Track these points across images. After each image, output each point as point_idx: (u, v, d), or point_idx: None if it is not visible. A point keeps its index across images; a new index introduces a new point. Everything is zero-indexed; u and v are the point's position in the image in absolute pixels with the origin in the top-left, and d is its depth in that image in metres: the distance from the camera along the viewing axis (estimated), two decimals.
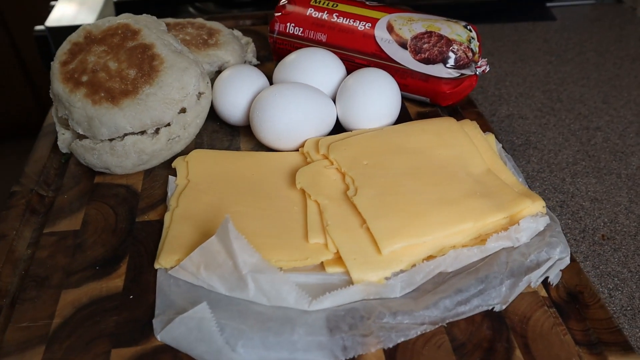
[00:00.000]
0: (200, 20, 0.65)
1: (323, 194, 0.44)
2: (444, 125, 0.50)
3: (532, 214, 0.43)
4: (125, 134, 0.49)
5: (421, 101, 0.59)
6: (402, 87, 0.57)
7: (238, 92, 0.53)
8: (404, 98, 0.59)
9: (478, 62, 0.55)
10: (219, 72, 0.60)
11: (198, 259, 0.39)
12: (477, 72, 0.55)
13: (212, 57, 0.59)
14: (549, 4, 0.94)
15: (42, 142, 0.55)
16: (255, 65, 0.65)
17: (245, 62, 0.63)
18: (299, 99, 0.49)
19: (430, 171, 0.45)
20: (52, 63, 0.52)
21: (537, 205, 0.43)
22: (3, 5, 1.68)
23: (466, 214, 0.42)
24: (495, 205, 0.43)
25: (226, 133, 0.56)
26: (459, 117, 0.58)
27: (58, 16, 0.88)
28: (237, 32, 0.67)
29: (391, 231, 0.40)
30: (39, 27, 0.89)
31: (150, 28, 0.52)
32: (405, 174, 0.45)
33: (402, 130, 0.50)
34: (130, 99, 0.48)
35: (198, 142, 0.55)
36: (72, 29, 0.86)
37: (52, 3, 0.96)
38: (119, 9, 0.85)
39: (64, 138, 0.52)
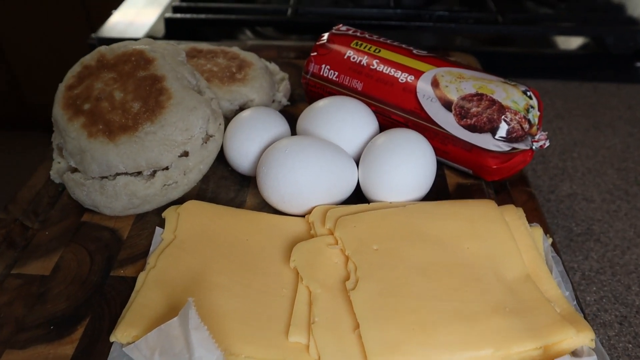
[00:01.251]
0: (235, 49, 0.60)
1: (318, 279, 0.37)
2: (480, 211, 0.42)
3: (575, 348, 0.34)
4: (118, 174, 0.44)
5: (464, 171, 0.50)
6: (442, 153, 0.49)
7: (250, 140, 0.47)
8: (444, 165, 0.51)
9: (536, 135, 0.46)
10: (242, 108, 0.54)
11: (154, 341, 0.33)
12: (534, 148, 0.46)
13: (234, 93, 0.53)
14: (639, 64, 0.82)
15: (43, 167, 0.52)
16: (285, 106, 0.59)
17: (273, 101, 0.57)
18: (313, 158, 0.42)
19: (451, 269, 0.37)
20: (59, 84, 0.48)
21: (582, 338, 0.34)
22: (90, 7, 1.74)
23: (486, 336, 0.33)
24: (526, 329, 0.34)
25: (235, 181, 0.50)
26: (506, 195, 0.49)
27: (110, 27, 0.87)
28: (273, 66, 0.62)
29: (386, 345, 0.33)
30: (94, 35, 0.88)
31: (165, 58, 0.47)
32: (420, 270, 0.37)
33: (427, 211, 0.42)
34: (127, 136, 0.44)
35: (202, 188, 0.49)
36: (120, 41, 0.84)
37: (113, 11, 0.96)
38: (170, 26, 0.82)
39: (58, 167, 0.48)
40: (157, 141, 0.44)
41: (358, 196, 0.46)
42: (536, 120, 0.46)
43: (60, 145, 0.47)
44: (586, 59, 0.81)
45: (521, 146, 0.46)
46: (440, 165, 0.51)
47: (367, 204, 0.43)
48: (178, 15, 0.83)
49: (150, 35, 0.83)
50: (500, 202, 0.49)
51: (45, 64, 1.81)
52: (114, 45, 0.49)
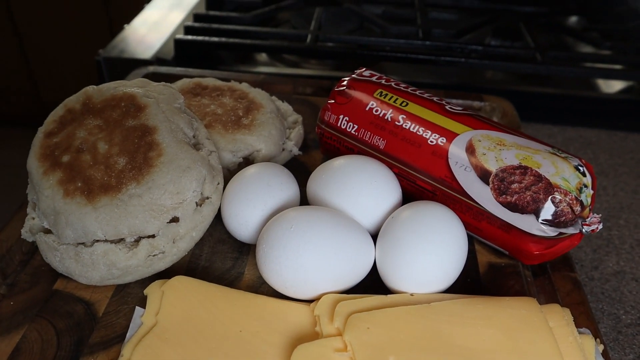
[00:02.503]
0: (244, 86, 0.53)
1: None
2: (520, 316, 0.35)
3: None
4: (96, 240, 0.38)
5: (497, 249, 0.43)
6: (473, 229, 0.42)
7: (251, 206, 0.40)
8: (474, 239, 0.44)
9: (588, 218, 0.39)
10: (247, 160, 0.48)
11: None
12: (584, 232, 0.39)
13: (238, 143, 0.47)
14: None
15: (18, 217, 0.46)
16: (296, 156, 0.52)
17: (283, 150, 0.50)
18: (323, 237, 0.36)
19: None
20: (38, 128, 0.42)
21: None
22: (114, 14, 1.72)
23: None
24: None
25: (234, 247, 0.43)
26: (545, 280, 0.42)
27: (118, 45, 0.81)
28: (285, 106, 0.56)
29: None
30: (101, 52, 0.82)
31: (160, 105, 0.41)
32: None
33: (457, 314, 0.35)
34: (109, 198, 0.37)
35: (195, 253, 0.43)
36: (126, 62, 0.79)
37: (125, 26, 0.90)
38: (180, 48, 0.77)
39: (32, 224, 0.42)
40: (142, 206, 0.37)
41: (374, 276, 0.40)
42: (589, 200, 0.39)
43: (34, 200, 0.41)
44: (633, 106, 0.74)
45: (570, 230, 0.39)
46: (469, 240, 0.44)
47: (383, 296, 0.36)
48: (189, 37, 0.77)
49: (159, 57, 0.77)
50: (539, 289, 0.42)
51: (62, 62, 1.80)
52: (103, 86, 0.43)
